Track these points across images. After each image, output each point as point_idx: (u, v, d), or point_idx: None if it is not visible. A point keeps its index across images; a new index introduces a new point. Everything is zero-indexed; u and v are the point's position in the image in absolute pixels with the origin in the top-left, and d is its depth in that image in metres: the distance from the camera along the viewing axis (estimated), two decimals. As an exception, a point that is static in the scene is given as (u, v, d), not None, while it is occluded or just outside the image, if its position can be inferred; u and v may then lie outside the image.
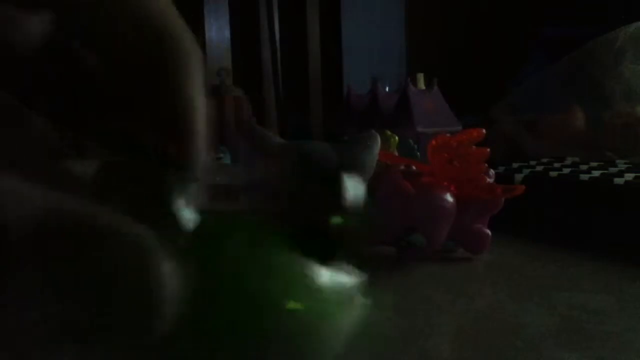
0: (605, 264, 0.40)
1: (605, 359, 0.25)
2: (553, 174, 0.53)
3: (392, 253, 0.42)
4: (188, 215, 0.15)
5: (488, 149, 0.41)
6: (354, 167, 0.31)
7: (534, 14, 1.51)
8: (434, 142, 0.42)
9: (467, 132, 0.42)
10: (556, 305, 0.32)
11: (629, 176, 0.48)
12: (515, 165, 0.60)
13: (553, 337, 0.28)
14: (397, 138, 0.51)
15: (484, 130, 0.41)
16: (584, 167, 0.57)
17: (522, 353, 0.26)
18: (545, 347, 0.26)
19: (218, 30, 1.23)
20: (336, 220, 0.17)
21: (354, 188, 0.18)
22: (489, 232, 0.42)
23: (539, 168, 0.57)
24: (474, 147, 0.41)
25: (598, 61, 0.71)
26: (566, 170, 0.55)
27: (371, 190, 0.32)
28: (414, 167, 0.44)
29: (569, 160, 0.63)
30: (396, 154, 0.50)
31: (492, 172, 0.42)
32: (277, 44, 1.28)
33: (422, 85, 0.85)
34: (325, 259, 0.16)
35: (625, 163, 0.59)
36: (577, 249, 0.43)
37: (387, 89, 0.92)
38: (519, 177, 0.53)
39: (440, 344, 0.28)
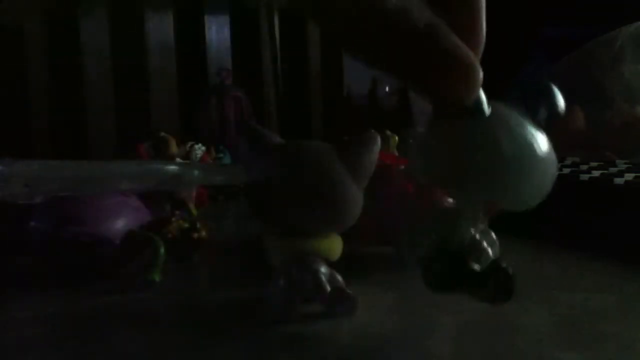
0: (605, 264, 0.40)
1: (605, 359, 0.25)
2: (553, 174, 0.53)
3: (391, 253, 0.42)
4: None
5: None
6: (354, 167, 0.31)
7: (534, 14, 1.51)
8: (434, 142, 0.41)
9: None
10: (556, 305, 0.32)
11: (629, 176, 0.48)
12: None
13: (553, 337, 0.28)
14: (397, 138, 0.51)
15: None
16: (584, 167, 0.57)
17: (522, 353, 0.26)
18: (545, 347, 0.26)
19: (218, 30, 1.23)
20: None
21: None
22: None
23: (539, 168, 0.57)
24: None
25: (598, 61, 0.71)
26: (566, 170, 0.55)
27: (371, 190, 0.32)
28: (414, 167, 0.44)
29: (569, 160, 0.63)
30: (396, 154, 0.50)
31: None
32: (277, 43, 1.28)
33: (422, 85, 0.85)
34: None
35: (625, 163, 0.59)
36: (577, 249, 0.43)
37: (387, 89, 0.92)
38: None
39: (441, 344, 0.28)
